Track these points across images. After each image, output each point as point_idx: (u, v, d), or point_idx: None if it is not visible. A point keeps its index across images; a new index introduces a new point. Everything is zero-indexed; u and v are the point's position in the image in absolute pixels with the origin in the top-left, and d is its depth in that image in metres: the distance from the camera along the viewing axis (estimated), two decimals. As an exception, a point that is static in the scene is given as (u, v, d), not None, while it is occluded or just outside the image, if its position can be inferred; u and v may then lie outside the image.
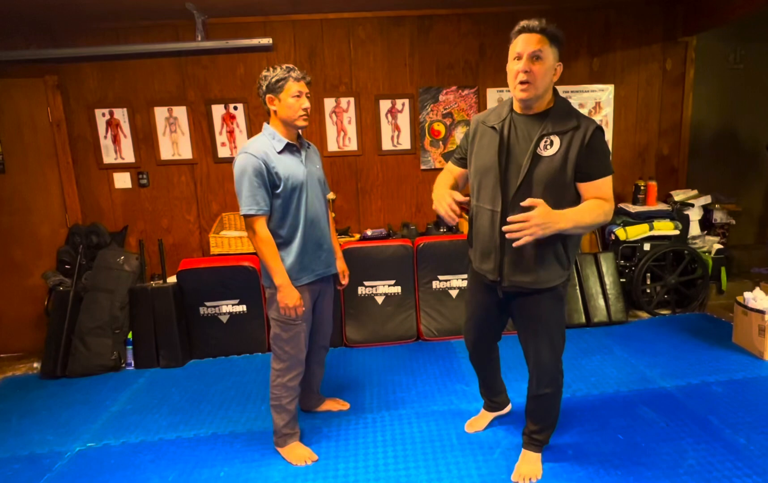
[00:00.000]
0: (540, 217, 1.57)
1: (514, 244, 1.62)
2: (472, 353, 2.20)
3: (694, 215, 3.81)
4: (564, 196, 1.70)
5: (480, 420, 2.37)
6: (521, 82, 1.67)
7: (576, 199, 1.72)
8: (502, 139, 1.76)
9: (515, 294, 1.86)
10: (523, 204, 1.61)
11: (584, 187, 1.69)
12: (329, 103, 3.76)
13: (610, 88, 3.90)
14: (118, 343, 3.27)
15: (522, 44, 1.66)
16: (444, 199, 1.74)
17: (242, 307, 3.36)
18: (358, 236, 3.70)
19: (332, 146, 3.82)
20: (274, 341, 2.14)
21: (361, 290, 3.41)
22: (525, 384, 2.03)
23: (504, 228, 1.64)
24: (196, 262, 3.41)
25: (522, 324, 1.93)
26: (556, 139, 1.69)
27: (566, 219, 1.62)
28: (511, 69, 1.71)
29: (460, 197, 1.75)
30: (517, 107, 1.78)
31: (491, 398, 2.35)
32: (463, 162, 1.98)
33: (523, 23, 1.68)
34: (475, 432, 2.32)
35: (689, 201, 3.82)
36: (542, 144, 1.70)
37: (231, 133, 3.75)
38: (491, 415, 2.38)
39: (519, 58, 1.67)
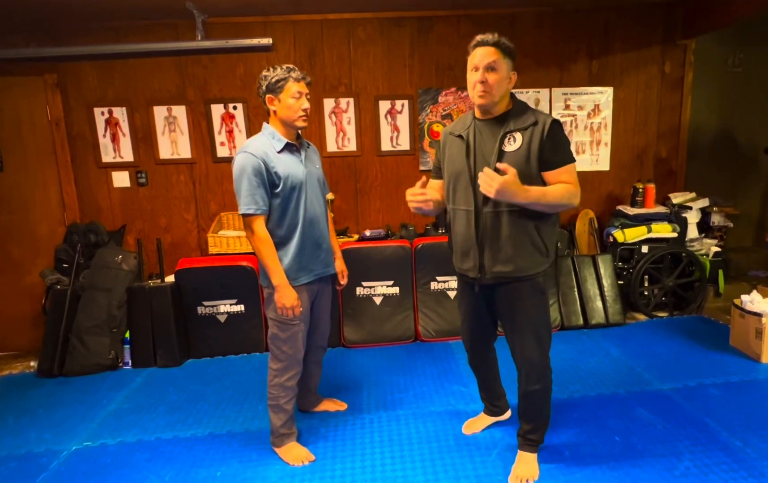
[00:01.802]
0: (501, 184, 1.67)
1: (479, 187, 1.73)
2: (470, 355, 2.22)
3: (692, 218, 3.82)
4: None
5: (478, 422, 2.37)
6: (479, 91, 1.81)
7: None
8: (468, 143, 1.90)
9: (497, 289, 1.91)
10: (498, 166, 1.73)
11: (549, 176, 1.82)
12: (329, 104, 3.76)
13: (609, 91, 3.90)
14: (116, 342, 3.26)
15: (478, 57, 1.81)
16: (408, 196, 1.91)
17: (240, 307, 3.35)
18: (356, 237, 3.71)
19: (331, 146, 3.82)
20: (271, 341, 2.14)
21: (359, 291, 3.41)
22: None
23: (479, 178, 1.74)
24: (195, 261, 3.41)
25: (506, 320, 1.96)
26: (519, 135, 1.83)
27: (527, 195, 1.73)
28: (470, 79, 1.86)
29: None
30: (479, 114, 1.91)
31: (492, 402, 2.35)
32: (440, 173, 2.07)
33: (479, 38, 1.83)
34: (473, 433, 2.32)
35: (687, 204, 3.83)
36: (506, 140, 1.84)
37: (230, 132, 3.75)
38: (490, 420, 2.37)
39: (476, 69, 1.82)
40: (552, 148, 1.78)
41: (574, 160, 1.83)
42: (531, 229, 1.83)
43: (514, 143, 1.82)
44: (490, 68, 1.78)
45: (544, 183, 1.82)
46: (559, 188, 1.78)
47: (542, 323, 1.93)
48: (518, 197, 1.71)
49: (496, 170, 1.73)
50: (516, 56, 1.87)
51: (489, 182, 1.69)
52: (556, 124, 1.81)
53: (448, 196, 1.99)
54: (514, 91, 1.92)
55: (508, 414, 2.40)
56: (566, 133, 1.92)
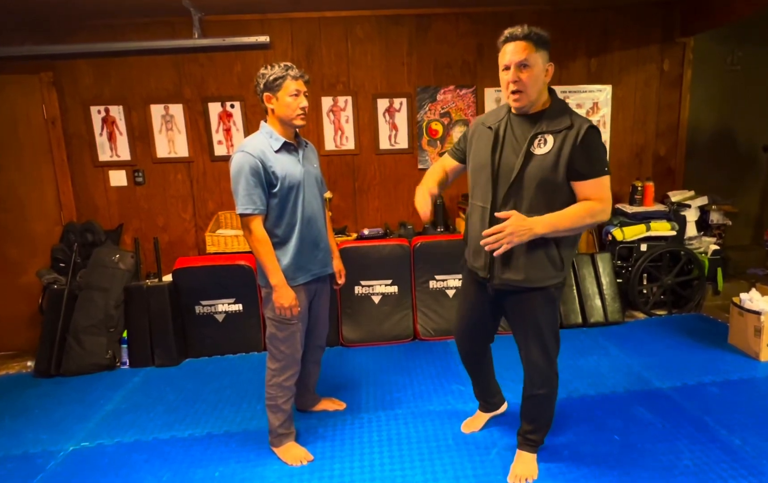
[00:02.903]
0: (513, 226, 1.62)
1: (495, 254, 1.68)
2: (464, 354, 2.19)
3: (691, 216, 3.82)
4: (556, 196, 1.71)
5: (476, 420, 2.36)
6: (513, 92, 1.71)
7: (569, 199, 1.72)
8: (496, 137, 1.79)
9: (506, 293, 1.85)
10: (497, 214, 1.67)
11: (578, 187, 1.70)
12: (327, 102, 3.75)
13: (607, 89, 3.90)
14: (113, 342, 3.25)
15: (509, 54, 1.69)
16: (420, 194, 1.84)
17: (238, 306, 3.34)
18: (355, 235, 3.70)
19: (329, 145, 3.80)
20: (269, 341, 2.13)
21: (357, 290, 3.40)
22: (521, 385, 2.02)
23: (482, 242, 1.69)
24: (192, 260, 3.39)
25: (514, 324, 1.94)
26: (550, 138, 1.70)
27: (542, 224, 1.66)
28: (502, 79, 1.76)
29: (434, 191, 1.85)
30: (513, 109, 1.80)
31: (486, 399, 2.35)
32: (458, 155, 2.02)
33: (507, 32, 1.71)
34: (471, 432, 2.32)
35: (686, 202, 3.83)
36: (536, 142, 1.72)
37: (228, 131, 3.73)
38: (487, 416, 2.37)
39: (507, 68, 1.70)
40: (584, 156, 1.65)
41: (607, 173, 1.68)
42: (549, 241, 1.72)
43: (544, 146, 1.69)
44: (523, 65, 1.66)
45: (571, 192, 1.71)
46: (577, 211, 1.67)
47: (550, 331, 1.88)
48: (534, 230, 1.64)
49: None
50: (551, 45, 1.72)
51: (500, 237, 1.62)
52: (593, 131, 1.67)
53: (470, 190, 1.92)
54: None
55: (504, 407, 2.40)
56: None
